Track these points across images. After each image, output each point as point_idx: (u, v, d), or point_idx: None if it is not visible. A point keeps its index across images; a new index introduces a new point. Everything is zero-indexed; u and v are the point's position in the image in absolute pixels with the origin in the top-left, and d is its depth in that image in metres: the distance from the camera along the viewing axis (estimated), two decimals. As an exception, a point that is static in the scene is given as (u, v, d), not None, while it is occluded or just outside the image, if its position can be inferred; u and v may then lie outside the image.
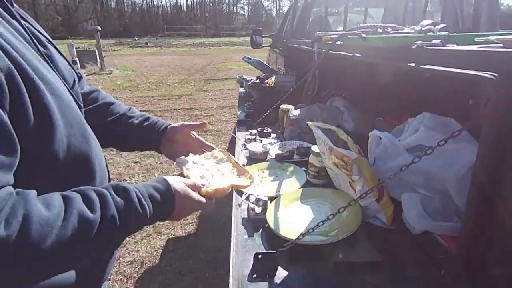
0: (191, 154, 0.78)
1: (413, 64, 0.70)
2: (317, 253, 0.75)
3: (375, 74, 1.54)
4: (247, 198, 0.98)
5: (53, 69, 0.58)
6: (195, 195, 0.63)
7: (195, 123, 0.84)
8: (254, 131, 1.55)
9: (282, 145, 1.40)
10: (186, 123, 0.85)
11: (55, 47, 0.65)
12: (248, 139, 1.50)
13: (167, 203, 0.57)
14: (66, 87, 0.58)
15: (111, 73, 9.62)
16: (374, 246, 0.75)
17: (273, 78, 2.16)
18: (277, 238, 0.79)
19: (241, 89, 2.80)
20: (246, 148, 1.37)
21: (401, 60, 0.77)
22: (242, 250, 0.77)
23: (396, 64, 0.86)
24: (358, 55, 1.05)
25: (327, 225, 0.75)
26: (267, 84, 2.11)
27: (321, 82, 1.67)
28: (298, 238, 0.71)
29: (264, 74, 2.65)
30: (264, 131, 1.59)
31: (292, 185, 1.06)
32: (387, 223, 0.84)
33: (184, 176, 0.69)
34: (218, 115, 5.35)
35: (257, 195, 0.93)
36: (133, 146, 0.87)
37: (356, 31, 1.00)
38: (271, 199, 0.95)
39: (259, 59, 2.46)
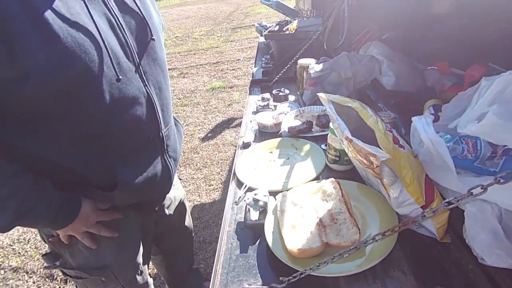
0: (296, 186, 0.75)
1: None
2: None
3: (430, 3, 1.13)
4: (246, 193, 0.77)
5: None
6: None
7: None
8: (267, 95, 1.26)
9: (299, 113, 1.11)
10: None
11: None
12: (260, 105, 1.22)
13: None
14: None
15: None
16: (417, 276, 0.52)
17: (295, 23, 1.78)
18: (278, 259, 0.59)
19: (262, 39, 2.40)
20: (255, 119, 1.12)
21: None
22: (230, 275, 0.58)
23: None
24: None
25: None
26: (287, 32, 1.75)
27: (352, 23, 1.29)
28: (307, 269, 0.50)
29: (285, 19, 2.24)
30: (280, 93, 1.30)
31: (305, 173, 0.81)
32: (438, 235, 0.59)
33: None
34: (245, 67, 4.99)
35: (255, 194, 0.70)
36: None
37: None
38: (275, 193, 0.73)
39: (278, 0, 2.04)
